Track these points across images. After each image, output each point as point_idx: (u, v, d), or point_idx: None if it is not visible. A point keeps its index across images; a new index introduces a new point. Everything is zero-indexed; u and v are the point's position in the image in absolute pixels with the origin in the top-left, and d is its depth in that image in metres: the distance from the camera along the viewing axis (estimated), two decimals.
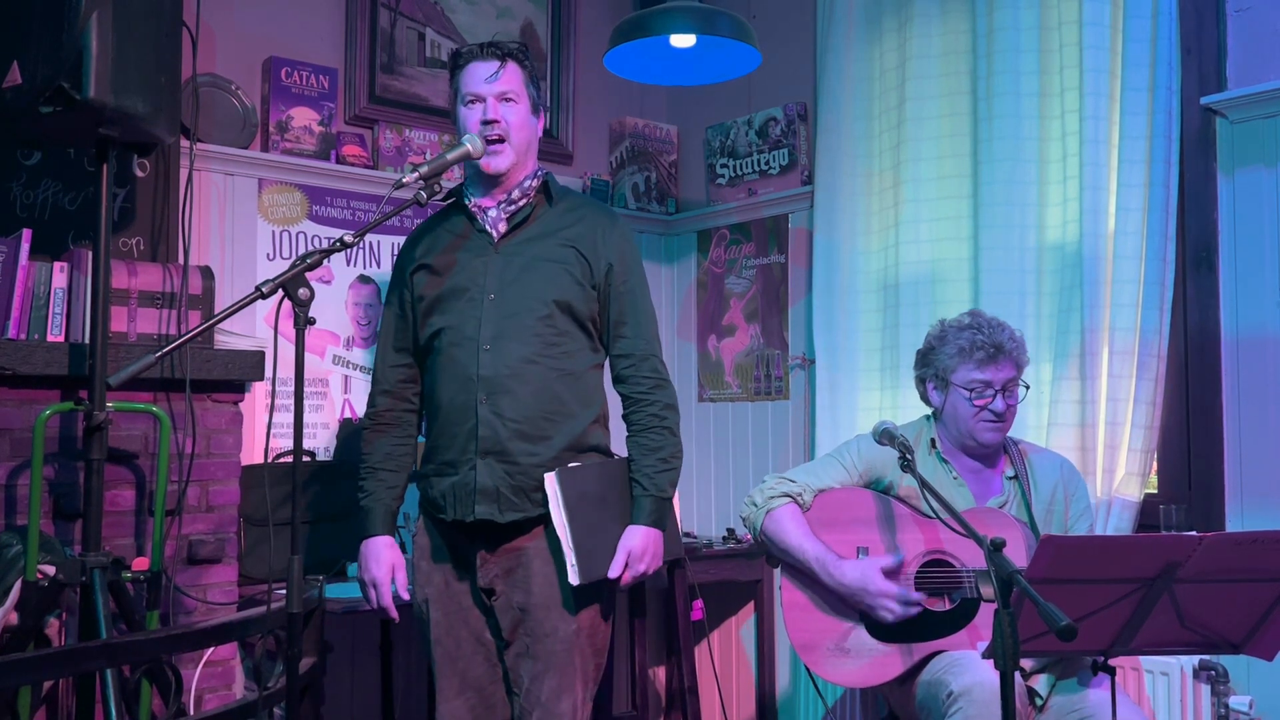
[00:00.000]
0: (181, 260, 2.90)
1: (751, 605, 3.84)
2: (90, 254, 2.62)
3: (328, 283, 3.46)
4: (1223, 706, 2.54)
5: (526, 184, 2.38)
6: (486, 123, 2.31)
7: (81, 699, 2.37)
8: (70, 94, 2.32)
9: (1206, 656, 2.52)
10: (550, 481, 2.25)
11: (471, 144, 2.32)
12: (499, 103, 2.33)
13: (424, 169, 2.20)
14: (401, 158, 3.59)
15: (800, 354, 3.77)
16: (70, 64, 2.32)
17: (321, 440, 3.42)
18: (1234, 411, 2.79)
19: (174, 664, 2.53)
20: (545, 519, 2.27)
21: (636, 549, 2.29)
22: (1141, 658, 2.58)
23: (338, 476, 3.27)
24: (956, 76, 3.28)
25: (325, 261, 2.15)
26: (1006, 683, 1.67)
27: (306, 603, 2.06)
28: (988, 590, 2.40)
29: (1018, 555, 2.35)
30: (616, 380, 2.40)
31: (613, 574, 2.27)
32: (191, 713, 2.68)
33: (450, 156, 2.27)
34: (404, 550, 2.48)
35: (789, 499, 2.61)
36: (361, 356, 3.52)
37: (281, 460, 3.16)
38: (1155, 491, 2.95)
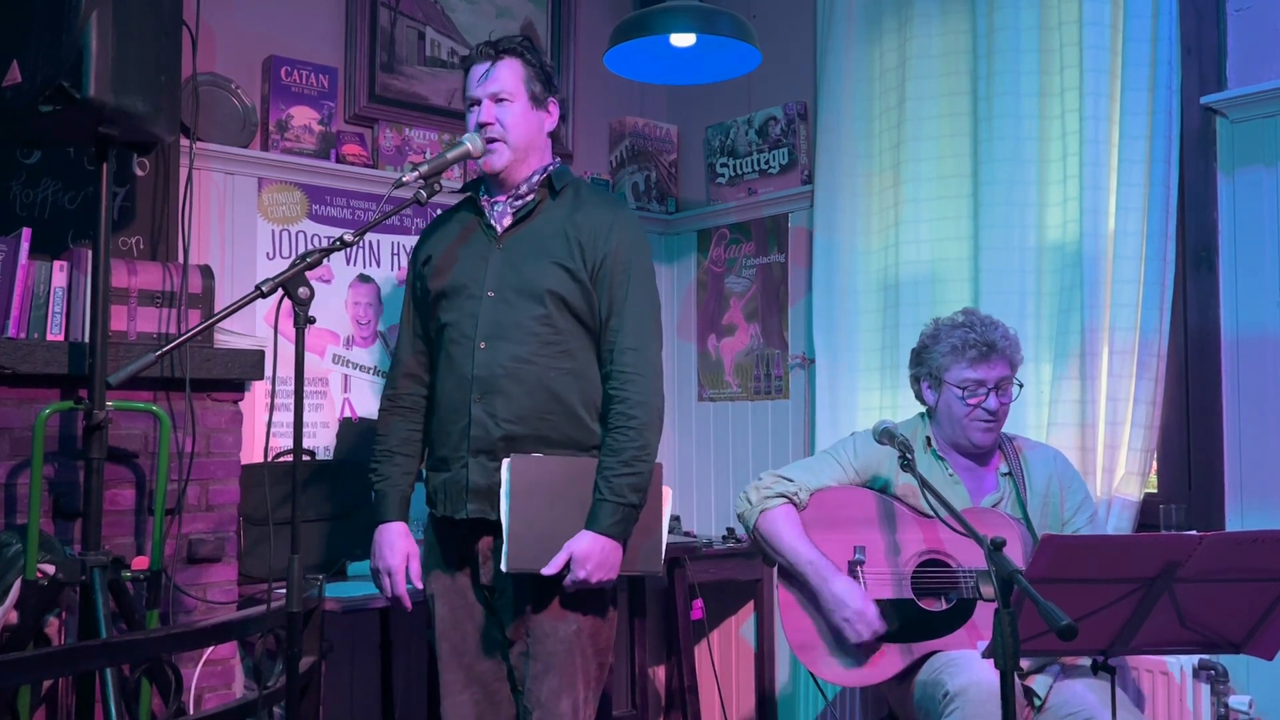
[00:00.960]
0: (181, 259, 2.89)
1: (751, 604, 3.84)
2: (90, 253, 2.62)
3: (328, 282, 3.46)
4: (1222, 706, 2.54)
5: (534, 179, 2.38)
6: (480, 125, 2.33)
7: (81, 698, 2.37)
8: (70, 93, 2.32)
9: (1206, 656, 2.52)
10: (505, 467, 2.21)
11: (471, 143, 2.33)
12: (493, 104, 2.34)
13: (424, 168, 2.21)
14: (401, 157, 3.59)
15: (800, 353, 3.77)
16: (70, 63, 2.32)
17: (321, 439, 3.42)
18: (1234, 411, 2.79)
19: (174, 663, 2.54)
20: None
21: (580, 553, 2.18)
22: (1141, 657, 2.58)
23: (337, 476, 3.27)
24: (956, 76, 3.28)
25: (325, 260, 2.15)
26: (1007, 682, 1.67)
27: (306, 602, 2.06)
28: (988, 590, 2.41)
29: (1015, 555, 2.35)
30: (602, 377, 2.33)
31: (547, 571, 2.18)
32: (191, 712, 2.68)
33: (450, 156, 2.28)
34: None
35: (784, 499, 2.61)
36: (361, 356, 3.52)
37: (281, 459, 3.16)
38: (1155, 491, 2.95)
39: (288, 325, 3.20)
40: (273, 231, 3.37)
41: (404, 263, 3.63)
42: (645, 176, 4.15)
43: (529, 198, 2.37)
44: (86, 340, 2.57)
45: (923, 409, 2.70)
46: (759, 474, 2.72)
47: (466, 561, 2.36)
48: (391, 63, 3.64)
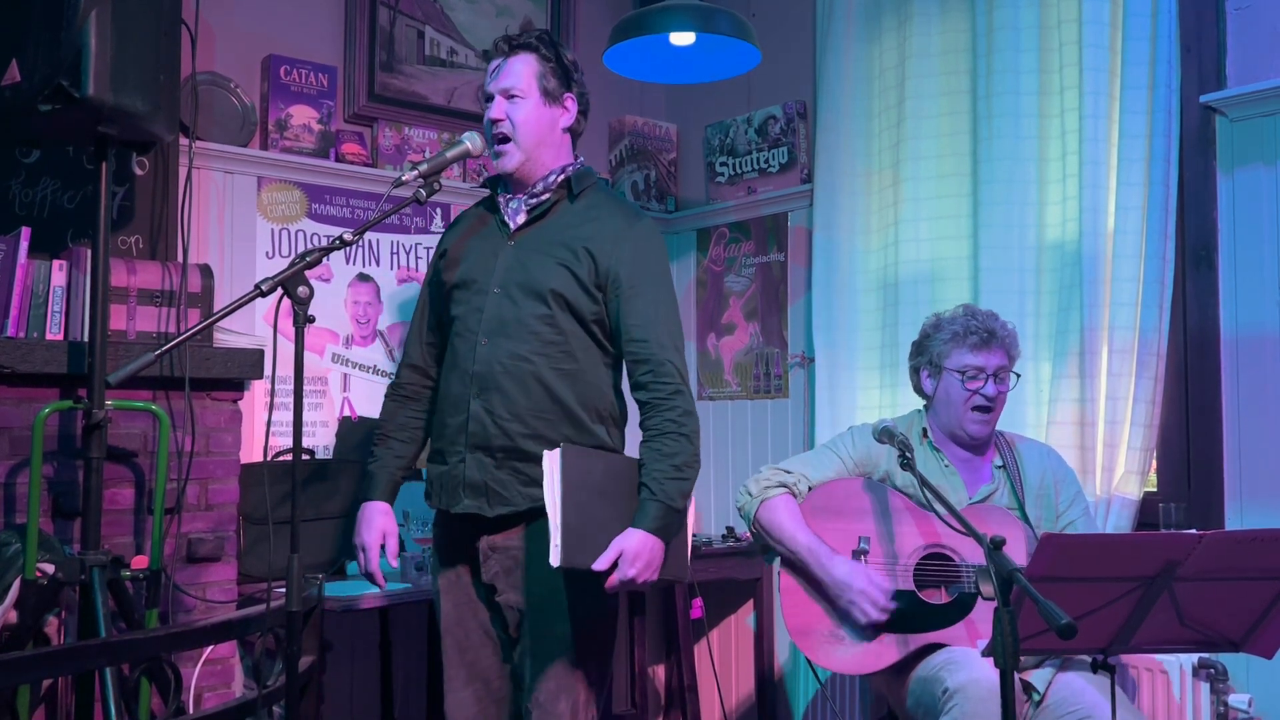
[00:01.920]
0: (181, 258, 2.89)
1: (751, 603, 3.84)
2: (89, 252, 2.62)
3: (327, 281, 3.46)
4: (1222, 704, 2.54)
5: (551, 178, 2.36)
6: (491, 122, 2.33)
7: (81, 698, 2.37)
8: (69, 92, 2.32)
9: (1206, 655, 2.52)
10: (552, 457, 2.17)
11: (470, 142, 2.33)
12: (505, 100, 2.33)
13: (423, 167, 2.20)
14: (401, 156, 3.59)
15: (799, 352, 3.77)
16: (69, 62, 2.32)
17: (321, 438, 3.42)
18: (1233, 410, 2.79)
19: (173, 662, 2.54)
20: (537, 514, 2.21)
21: (630, 551, 2.15)
22: (1141, 656, 2.58)
23: (337, 475, 3.27)
24: (956, 75, 3.28)
25: (324, 260, 2.15)
26: (1006, 680, 1.67)
27: (306, 601, 2.06)
28: (987, 588, 2.41)
29: (1018, 553, 2.35)
30: (634, 387, 2.31)
31: (598, 566, 2.14)
32: (191, 711, 2.68)
33: (449, 155, 2.28)
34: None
35: (784, 489, 2.63)
36: (361, 355, 3.52)
37: (281, 458, 3.16)
38: (1155, 490, 2.95)
39: (287, 324, 3.19)
40: (272, 230, 3.37)
41: (403, 262, 3.63)
42: (644, 175, 4.15)
43: (545, 197, 2.36)
44: (86, 339, 2.57)
45: (919, 405, 2.72)
46: (759, 468, 2.73)
47: (469, 559, 2.36)
48: (391, 62, 3.64)
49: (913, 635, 2.46)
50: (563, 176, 2.37)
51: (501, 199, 2.41)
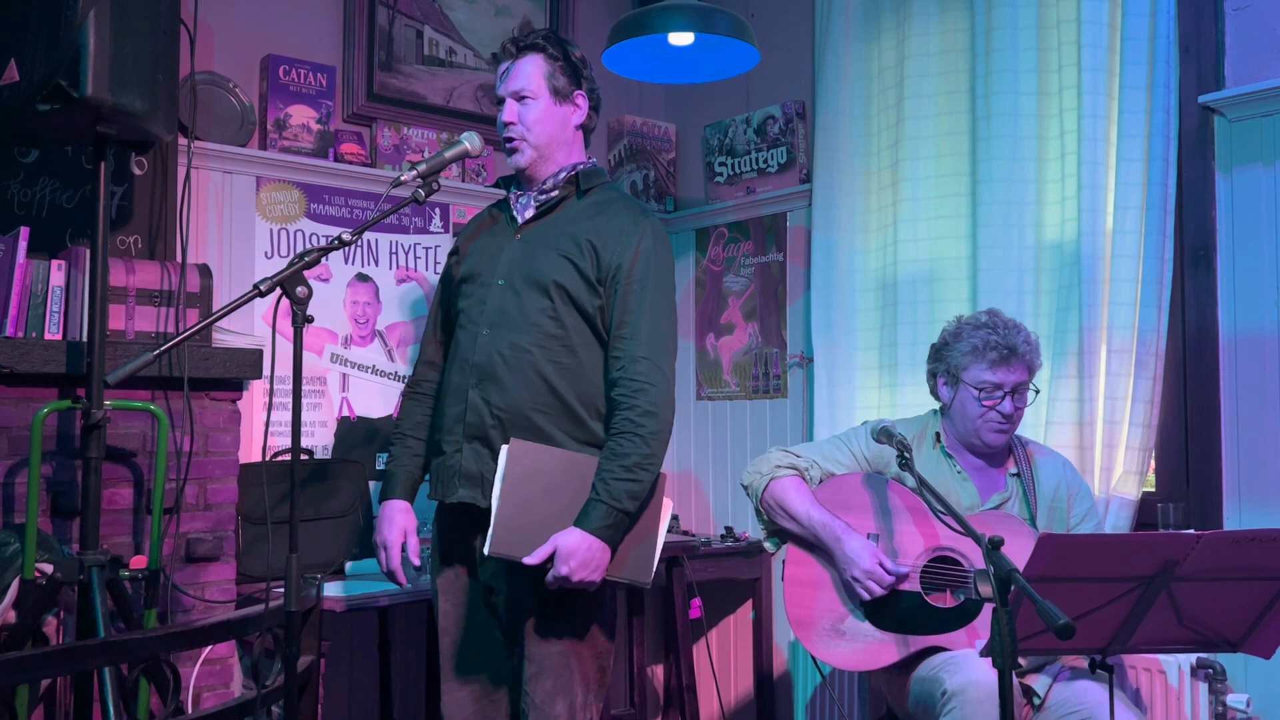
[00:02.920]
0: (179, 258, 2.89)
1: (750, 603, 3.84)
2: (88, 252, 2.61)
3: (326, 281, 3.46)
4: (1220, 704, 2.54)
5: (561, 176, 2.38)
6: (503, 125, 2.36)
7: (80, 697, 2.37)
8: (68, 91, 2.32)
9: (1204, 655, 2.52)
10: (505, 450, 2.19)
11: (469, 142, 2.34)
12: (515, 102, 2.35)
13: (422, 167, 2.21)
14: (399, 156, 3.59)
15: (798, 352, 3.77)
16: (68, 61, 2.32)
17: (319, 438, 3.41)
18: (1232, 410, 2.79)
19: (172, 662, 2.53)
20: None
21: (565, 549, 2.13)
22: (1139, 656, 2.58)
23: (335, 475, 3.27)
24: (955, 75, 3.28)
25: (323, 259, 2.15)
26: (1005, 681, 1.67)
27: (304, 601, 2.06)
28: (985, 588, 2.41)
29: (1024, 562, 2.35)
30: (607, 384, 2.30)
31: (529, 561, 2.14)
32: (189, 711, 2.68)
33: (448, 155, 2.29)
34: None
35: (795, 471, 2.61)
36: (359, 355, 3.52)
37: (279, 458, 3.16)
38: (1153, 490, 2.95)
39: (286, 324, 3.19)
40: (271, 230, 3.37)
41: (402, 262, 3.63)
42: (643, 175, 4.15)
43: (553, 193, 2.38)
44: (84, 339, 2.57)
45: (935, 405, 2.70)
46: (767, 450, 2.72)
47: (467, 559, 2.36)
48: (390, 61, 3.64)
49: (914, 637, 2.46)
50: (572, 173, 2.38)
51: (513, 196, 2.44)
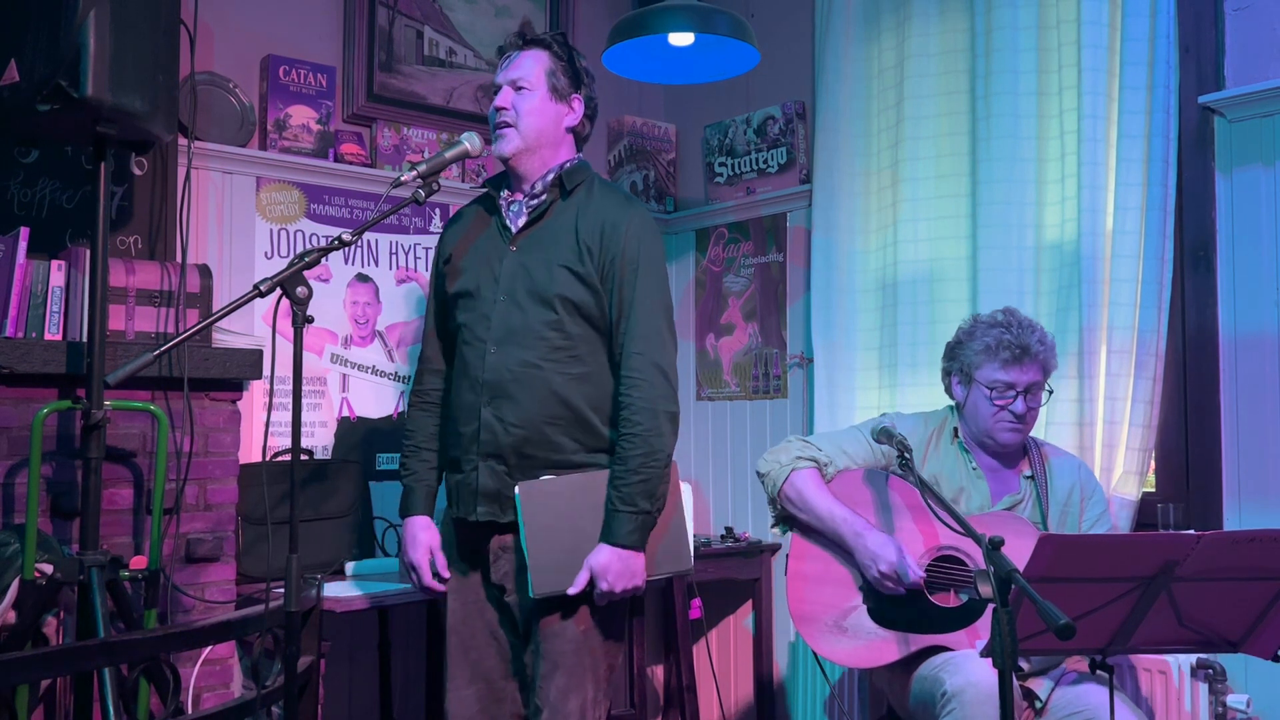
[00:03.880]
0: (179, 258, 2.89)
1: (750, 603, 3.84)
2: (88, 252, 2.61)
3: (326, 281, 3.45)
4: (1220, 705, 2.54)
5: (549, 177, 2.37)
6: (495, 109, 2.35)
7: (79, 698, 2.37)
8: (68, 92, 2.32)
9: (1204, 655, 2.52)
10: (516, 495, 2.23)
11: (469, 142, 2.34)
12: (511, 90, 2.34)
13: (422, 167, 2.21)
14: (399, 156, 3.59)
15: (798, 353, 3.77)
16: (68, 61, 2.32)
17: (319, 439, 3.41)
18: (1232, 410, 2.79)
19: (172, 663, 2.53)
20: None
21: (599, 567, 2.19)
22: (1139, 656, 2.58)
23: (336, 475, 3.27)
24: (955, 75, 3.28)
25: (323, 260, 2.15)
26: (1005, 680, 1.67)
27: (304, 601, 2.06)
28: (985, 588, 2.41)
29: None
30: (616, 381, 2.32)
31: (571, 591, 2.20)
32: (189, 711, 2.68)
33: (448, 155, 2.28)
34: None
35: (814, 464, 2.60)
36: (359, 355, 3.52)
37: (279, 459, 3.16)
38: (1153, 490, 2.95)
39: (286, 324, 3.19)
40: (271, 231, 3.37)
41: (402, 262, 3.63)
42: (643, 176, 4.15)
43: (543, 197, 2.36)
44: (84, 339, 2.57)
45: (950, 403, 2.69)
46: (787, 437, 2.70)
47: (479, 559, 2.36)
48: (390, 62, 3.64)
49: (914, 636, 2.45)
50: (557, 174, 2.36)
51: (502, 200, 2.40)
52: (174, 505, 2.71)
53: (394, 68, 3.65)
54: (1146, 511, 2.86)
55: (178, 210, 2.98)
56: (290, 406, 2.11)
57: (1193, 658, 2.55)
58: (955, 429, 2.62)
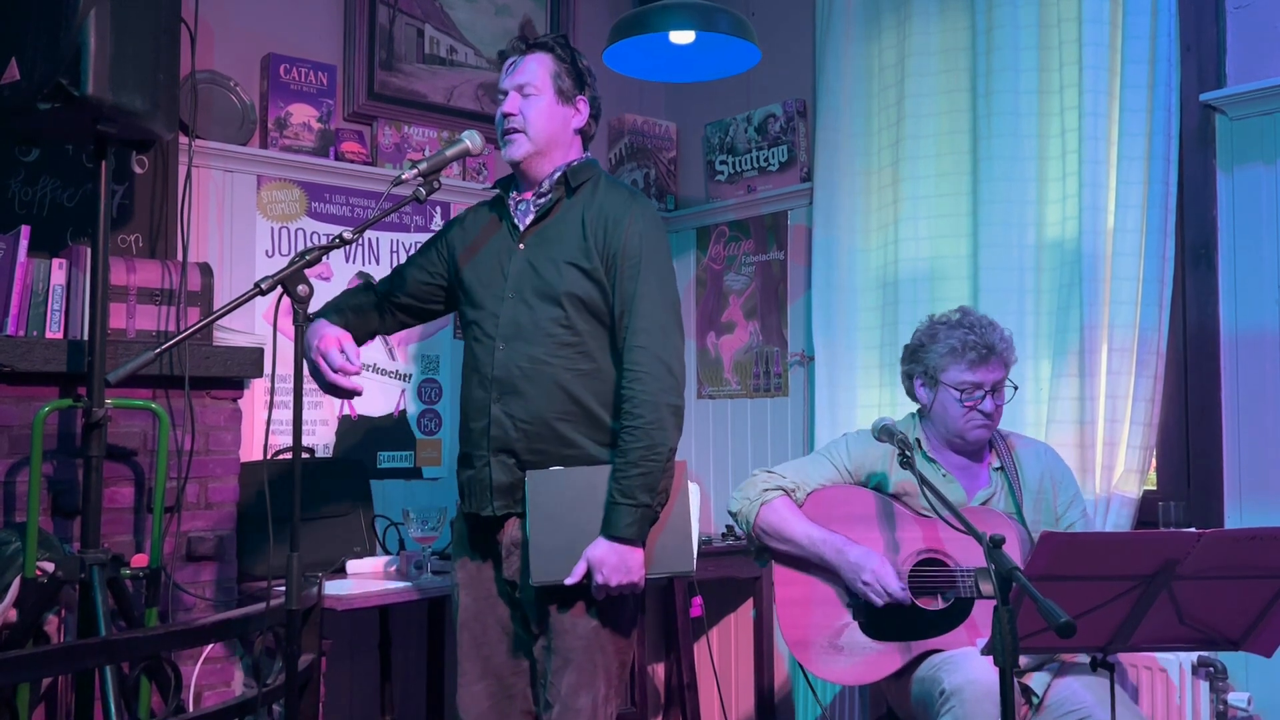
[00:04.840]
0: (180, 257, 2.89)
1: (750, 602, 3.84)
2: (89, 251, 2.62)
3: (326, 279, 3.45)
4: (1221, 703, 2.54)
5: (556, 176, 2.37)
6: (503, 116, 2.36)
7: (80, 696, 2.37)
8: (68, 90, 2.32)
9: (1205, 653, 2.52)
10: (525, 483, 2.24)
11: (470, 140, 2.34)
12: (518, 96, 2.35)
13: (422, 165, 2.20)
14: (400, 154, 3.59)
15: (799, 351, 3.77)
16: (68, 60, 2.32)
17: (320, 437, 3.41)
18: (1233, 408, 2.79)
19: (173, 661, 2.54)
20: None
21: (596, 559, 2.19)
22: (1140, 654, 2.58)
23: (337, 474, 3.27)
24: (955, 73, 3.28)
25: (324, 258, 2.15)
26: (1006, 679, 1.67)
27: (305, 599, 2.06)
28: (987, 587, 2.41)
29: (1012, 555, 2.35)
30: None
31: (568, 581, 2.20)
32: (190, 709, 2.68)
33: (449, 153, 2.28)
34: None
35: (782, 492, 2.61)
36: (359, 353, 3.51)
37: (280, 457, 3.16)
38: (1154, 488, 2.95)
39: (287, 323, 3.19)
40: (271, 229, 3.37)
41: (402, 260, 3.61)
42: (644, 174, 4.15)
43: (549, 195, 2.37)
44: (85, 338, 2.57)
45: (913, 410, 2.70)
46: (751, 472, 2.72)
47: (491, 554, 2.37)
48: (390, 60, 3.64)
49: (913, 643, 2.45)
50: (562, 173, 2.37)
51: (511, 201, 2.42)
52: (175, 503, 2.72)
53: (395, 66, 3.65)
54: (1147, 509, 2.86)
55: (178, 209, 2.98)
56: (291, 405, 2.11)
57: (1193, 656, 2.55)
58: (918, 439, 2.61)
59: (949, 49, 3.30)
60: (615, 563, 2.19)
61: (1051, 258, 3.07)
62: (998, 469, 2.60)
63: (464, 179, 3.74)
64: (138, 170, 3.03)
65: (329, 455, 3.40)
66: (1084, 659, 2.32)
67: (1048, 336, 3.05)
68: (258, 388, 3.17)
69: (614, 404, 2.31)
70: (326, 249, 2.05)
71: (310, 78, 3.42)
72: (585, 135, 2.44)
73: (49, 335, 2.64)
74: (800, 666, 2.58)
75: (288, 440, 3.20)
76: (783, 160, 3.84)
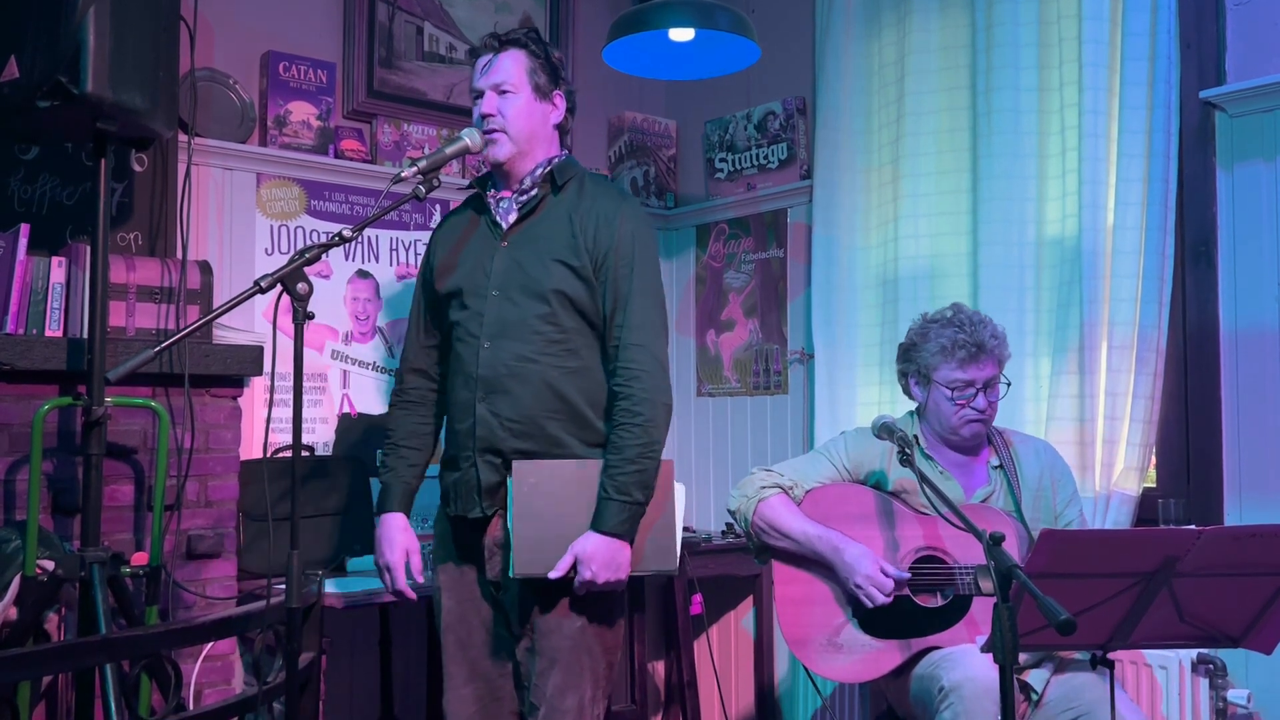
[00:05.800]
0: (180, 255, 2.89)
1: (750, 599, 3.84)
2: (88, 249, 2.61)
3: (326, 277, 3.45)
4: (1221, 700, 2.54)
5: (538, 172, 2.36)
6: (482, 117, 2.34)
7: (81, 694, 2.37)
8: (68, 88, 2.32)
9: (1205, 650, 2.52)
10: (511, 474, 2.23)
11: (470, 138, 2.33)
12: (495, 95, 2.34)
13: (422, 163, 2.20)
14: (400, 152, 3.59)
15: (799, 349, 3.77)
16: (68, 58, 2.32)
17: (320, 435, 3.41)
18: (1233, 405, 2.79)
19: (173, 659, 2.54)
20: None
21: (585, 554, 2.18)
22: (1140, 651, 2.58)
23: (337, 471, 3.27)
24: (955, 71, 3.28)
25: (324, 256, 2.15)
26: (1006, 676, 1.67)
27: (305, 597, 2.06)
28: (987, 584, 2.41)
29: (1010, 552, 2.35)
30: (608, 373, 2.32)
31: (553, 575, 2.18)
32: (191, 708, 2.68)
33: (448, 151, 2.28)
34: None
35: (779, 490, 2.61)
36: (360, 351, 3.52)
37: (280, 455, 3.16)
38: (1154, 485, 2.95)
39: (286, 321, 3.18)
40: (271, 227, 3.37)
41: (403, 258, 3.63)
42: (644, 172, 4.15)
43: (533, 192, 2.36)
44: (85, 336, 2.57)
45: (911, 408, 2.71)
46: (750, 470, 2.72)
47: (474, 556, 2.36)
48: (390, 58, 3.64)
49: (913, 640, 2.46)
50: (546, 169, 2.37)
51: (491, 198, 2.40)
52: (175, 502, 2.71)
53: (394, 64, 3.65)
54: (1147, 507, 2.86)
55: (178, 207, 2.98)
56: (291, 403, 2.11)
57: (1193, 653, 2.55)
58: (916, 436, 2.62)
59: (949, 46, 3.30)
60: (605, 558, 2.18)
61: (1051, 255, 3.07)
62: (996, 467, 2.60)
63: (463, 176, 3.73)
64: (137, 168, 3.03)
65: (328, 453, 3.40)
66: (1083, 656, 2.32)
67: (1047, 334, 3.05)
68: (257, 386, 3.17)
69: (599, 403, 2.30)
70: (326, 247, 2.05)
71: (310, 75, 3.42)
72: (563, 130, 2.43)
73: (49, 333, 2.64)
74: (805, 670, 2.58)
75: (288, 438, 3.20)
76: (782, 158, 3.84)
